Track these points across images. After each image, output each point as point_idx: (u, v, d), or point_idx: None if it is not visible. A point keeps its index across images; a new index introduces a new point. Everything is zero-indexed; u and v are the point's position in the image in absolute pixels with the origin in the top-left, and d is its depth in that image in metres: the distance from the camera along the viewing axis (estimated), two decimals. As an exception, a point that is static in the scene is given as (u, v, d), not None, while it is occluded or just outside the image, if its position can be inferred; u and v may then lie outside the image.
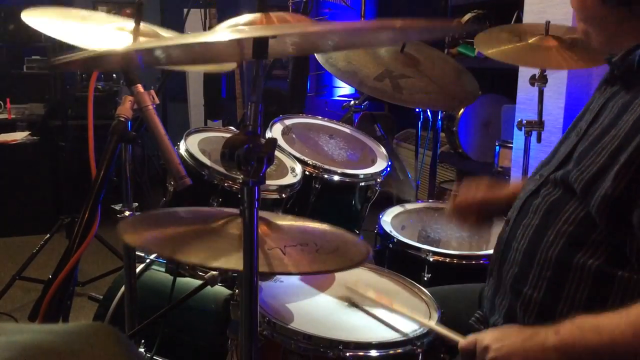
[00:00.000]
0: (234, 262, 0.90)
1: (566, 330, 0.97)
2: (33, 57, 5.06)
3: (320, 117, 2.30)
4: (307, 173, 1.86)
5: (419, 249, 1.78)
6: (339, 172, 1.91)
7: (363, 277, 1.48)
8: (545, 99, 2.22)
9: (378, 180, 2.02)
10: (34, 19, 1.25)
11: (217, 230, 1.04)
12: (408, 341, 1.20)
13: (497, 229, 1.98)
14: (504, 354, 1.01)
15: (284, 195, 1.70)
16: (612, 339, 0.94)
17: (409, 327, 1.25)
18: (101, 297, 1.83)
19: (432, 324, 1.25)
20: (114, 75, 4.61)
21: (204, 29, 3.61)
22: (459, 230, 2.06)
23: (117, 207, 1.41)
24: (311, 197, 1.88)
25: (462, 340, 1.13)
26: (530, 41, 2.01)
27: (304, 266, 1.00)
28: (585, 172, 1.04)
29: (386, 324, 1.27)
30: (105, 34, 1.36)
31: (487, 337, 1.06)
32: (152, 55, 0.89)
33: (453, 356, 1.27)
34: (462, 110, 3.57)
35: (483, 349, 1.05)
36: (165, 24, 1.58)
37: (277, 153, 1.84)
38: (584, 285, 1.04)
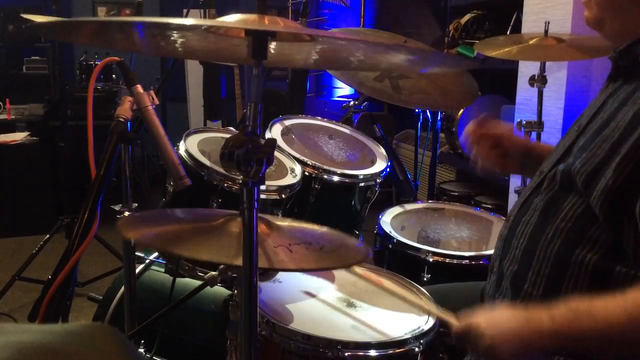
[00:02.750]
0: (236, 257, 0.90)
1: (561, 315, 0.98)
2: (33, 57, 5.07)
3: (319, 118, 2.30)
4: (306, 174, 1.86)
5: (418, 249, 1.78)
6: (338, 172, 1.91)
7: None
8: (545, 100, 2.22)
9: (378, 180, 2.02)
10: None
11: (217, 227, 1.04)
12: (407, 341, 1.20)
13: (496, 229, 1.98)
14: (499, 340, 1.01)
15: (283, 195, 1.70)
16: (607, 324, 0.94)
17: (408, 327, 1.26)
18: (101, 297, 1.83)
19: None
20: (114, 75, 4.61)
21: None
22: (459, 231, 2.06)
23: (117, 207, 1.41)
24: (311, 197, 1.87)
25: (456, 324, 1.13)
26: (530, 42, 2.02)
27: (311, 263, 1.00)
28: (587, 165, 1.04)
29: (385, 324, 1.28)
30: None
31: (481, 322, 1.05)
32: (150, 32, 0.88)
33: (452, 356, 1.27)
34: (461, 111, 3.57)
35: (478, 335, 1.05)
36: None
37: (276, 153, 1.84)
38: (582, 282, 1.04)
